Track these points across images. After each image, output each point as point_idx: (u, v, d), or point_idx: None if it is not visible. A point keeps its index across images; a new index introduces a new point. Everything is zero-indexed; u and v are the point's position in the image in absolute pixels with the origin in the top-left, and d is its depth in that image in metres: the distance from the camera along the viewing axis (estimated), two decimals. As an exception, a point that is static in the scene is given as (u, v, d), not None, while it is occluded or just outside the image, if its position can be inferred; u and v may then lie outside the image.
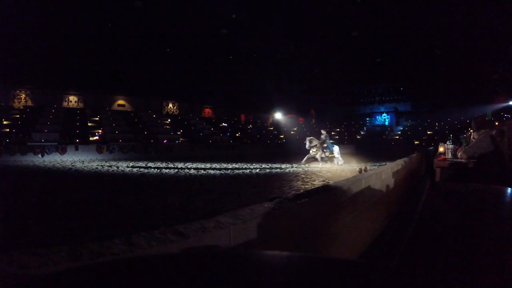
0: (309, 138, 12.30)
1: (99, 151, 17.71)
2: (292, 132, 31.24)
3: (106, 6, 22.31)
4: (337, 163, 12.17)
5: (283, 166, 12.06)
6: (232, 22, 25.40)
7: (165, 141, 21.84)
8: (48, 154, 15.98)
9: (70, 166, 12.66)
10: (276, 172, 10.13)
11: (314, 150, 12.12)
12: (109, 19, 24.02)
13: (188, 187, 7.10)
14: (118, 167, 11.94)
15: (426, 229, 2.55)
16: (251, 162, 14.19)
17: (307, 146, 12.14)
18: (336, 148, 12.40)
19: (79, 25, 23.21)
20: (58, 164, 13.41)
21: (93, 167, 11.99)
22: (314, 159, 12.34)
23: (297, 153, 15.68)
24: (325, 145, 12.27)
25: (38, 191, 6.42)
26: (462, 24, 23.00)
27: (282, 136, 29.52)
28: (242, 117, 34.10)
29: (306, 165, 12.15)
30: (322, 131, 12.79)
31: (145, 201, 5.37)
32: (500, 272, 1.61)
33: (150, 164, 13.07)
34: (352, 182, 2.35)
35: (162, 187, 7.24)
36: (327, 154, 12.23)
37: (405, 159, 4.95)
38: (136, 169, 11.30)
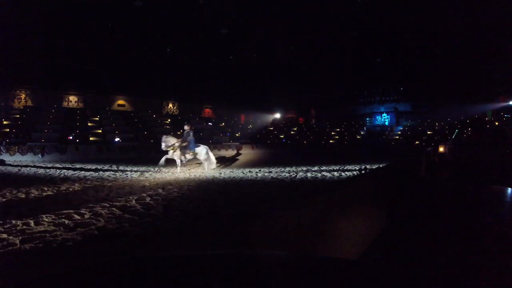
0: (165, 137, 10.23)
1: (100, 151, 17.71)
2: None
3: (106, 6, 22.32)
4: (206, 168, 10.35)
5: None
6: (232, 22, 25.39)
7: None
8: (48, 154, 15.97)
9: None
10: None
11: (172, 150, 10.06)
12: (109, 19, 24.02)
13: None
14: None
15: (425, 229, 2.55)
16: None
17: (163, 147, 10.00)
18: (202, 149, 10.45)
19: (79, 25, 23.21)
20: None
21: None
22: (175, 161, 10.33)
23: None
24: (184, 144, 10.10)
25: None
26: (462, 24, 23.00)
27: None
28: (242, 117, 34.06)
29: (163, 168, 10.34)
30: (185, 127, 10.62)
31: None
32: (499, 271, 1.61)
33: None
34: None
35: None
36: (187, 155, 10.23)
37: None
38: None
